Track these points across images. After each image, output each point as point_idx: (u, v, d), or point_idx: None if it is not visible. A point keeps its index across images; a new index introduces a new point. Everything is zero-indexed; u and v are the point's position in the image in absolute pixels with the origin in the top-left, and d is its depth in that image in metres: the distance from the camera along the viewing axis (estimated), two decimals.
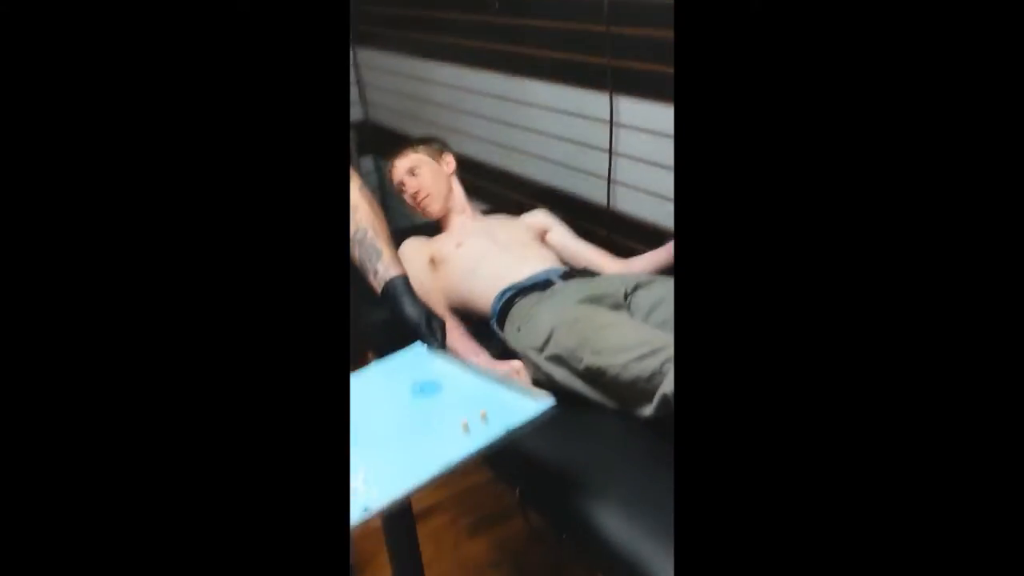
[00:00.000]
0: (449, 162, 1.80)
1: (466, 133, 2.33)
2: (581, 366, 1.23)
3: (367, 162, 2.97)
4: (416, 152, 1.78)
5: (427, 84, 2.47)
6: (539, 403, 0.90)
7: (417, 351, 1.08)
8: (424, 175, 1.74)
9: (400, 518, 1.00)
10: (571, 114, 1.85)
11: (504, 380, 0.99)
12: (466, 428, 0.86)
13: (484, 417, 0.88)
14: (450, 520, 1.85)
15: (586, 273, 1.53)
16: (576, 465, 1.15)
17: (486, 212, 1.98)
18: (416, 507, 1.87)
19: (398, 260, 1.15)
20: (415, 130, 2.64)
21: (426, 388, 0.99)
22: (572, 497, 1.10)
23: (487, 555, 1.73)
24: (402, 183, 1.77)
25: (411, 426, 0.92)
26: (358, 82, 2.91)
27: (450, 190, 1.78)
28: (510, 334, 1.40)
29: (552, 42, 1.84)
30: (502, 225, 1.76)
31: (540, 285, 1.44)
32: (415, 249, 1.70)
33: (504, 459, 1.23)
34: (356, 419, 0.91)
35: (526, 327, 1.35)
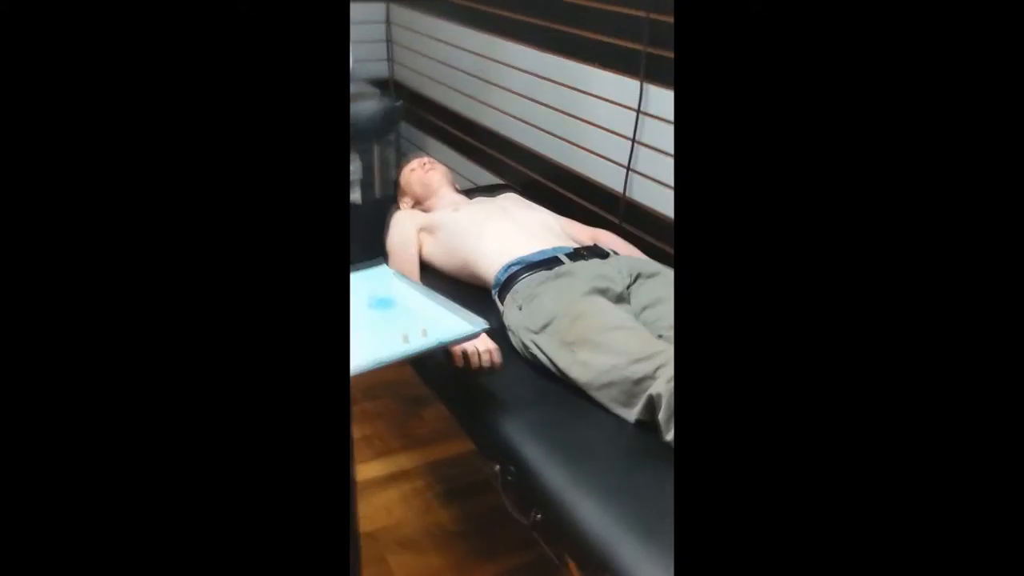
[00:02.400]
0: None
1: (488, 104, 2.30)
2: (574, 358, 1.23)
3: None
4: None
5: (456, 50, 2.44)
6: (473, 325, 1.06)
7: (381, 270, 1.26)
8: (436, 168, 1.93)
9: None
10: (598, 97, 1.83)
11: (446, 303, 1.12)
12: (405, 339, 1.03)
13: (424, 333, 1.04)
14: (424, 485, 1.85)
15: (595, 252, 1.51)
16: (558, 449, 1.14)
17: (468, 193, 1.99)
18: (391, 469, 1.88)
19: None
20: (437, 95, 2.61)
21: (381, 303, 1.16)
22: (550, 479, 1.09)
23: (456, 524, 1.74)
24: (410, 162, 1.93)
25: (359, 332, 1.04)
26: (387, 40, 2.88)
27: (448, 184, 1.90)
28: (510, 310, 1.39)
29: (589, 22, 1.82)
30: (501, 198, 1.76)
31: (547, 263, 1.43)
32: (404, 219, 1.72)
33: (487, 434, 1.23)
34: None
35: (528, 307, 1.33)
